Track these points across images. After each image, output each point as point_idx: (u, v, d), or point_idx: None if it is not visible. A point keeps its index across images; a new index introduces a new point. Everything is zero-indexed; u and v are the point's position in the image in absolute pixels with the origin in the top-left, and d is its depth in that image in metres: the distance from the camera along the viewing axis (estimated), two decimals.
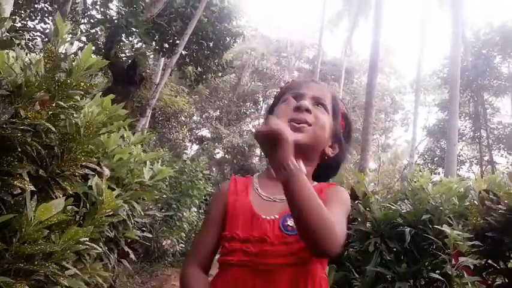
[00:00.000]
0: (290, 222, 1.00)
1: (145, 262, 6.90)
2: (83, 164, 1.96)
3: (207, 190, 8.39)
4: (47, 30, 9.61)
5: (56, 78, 1.61)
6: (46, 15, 9.78)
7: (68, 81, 1.59)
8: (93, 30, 8.86)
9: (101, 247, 2.94)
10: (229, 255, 1.03)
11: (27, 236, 1.48)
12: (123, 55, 8.97)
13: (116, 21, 7.99)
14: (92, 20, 9.34)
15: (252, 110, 24.54)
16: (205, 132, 23.55)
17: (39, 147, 1.54)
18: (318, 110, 1.10)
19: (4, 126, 1.34)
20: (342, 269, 3.87)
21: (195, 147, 23.16)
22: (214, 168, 21.40)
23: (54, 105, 1.65)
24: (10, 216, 1.37)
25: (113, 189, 2.82)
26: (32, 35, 10.23)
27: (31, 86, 1.40)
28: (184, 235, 7.71)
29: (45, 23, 9.75)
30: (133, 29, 7.93)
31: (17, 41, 9.05)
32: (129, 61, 8.65)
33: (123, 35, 8.14)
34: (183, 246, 7.71)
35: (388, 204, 3.39)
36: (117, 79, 8.35)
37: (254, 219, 1.03)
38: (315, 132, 1.07)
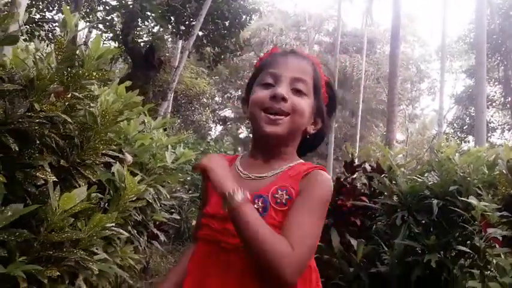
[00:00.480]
0: (256, 204, 0.98)
1: (177, 242, 7.07)
2: (104, 152, 1.98)
3: None
4: None
5: (69, 70, 1.61)
6: (63, 4, 9.86)
7: (80, 71, 1.59)
8: (110, 17, 8.90)
9: (129, 231, 3.02)
10: (200, 230, 1.06)
11: (53, 224, 1.52)
12: (141, 40, 9.00)
13: (131, 6, 7.98)
14: (107, 7, 9.37)
15: None
16: (228, 113, 23.64)
17: (58, 139, 1.56)
18: (296, 96, 1.03)
19: (20, 120, 1.37)
20: (370, 243, 3.86)
21: (219, 128, 23.30)
22: (240, 148, 21.54)
23: (69, 96, 1.67)
24: (35, 206, 1.41)
25: (136, 175, 2.87)
26: (51, 25, 10.36)
27: (43, 79, 1.41)
28: None
29: (63, 13, 9.83)
30: (149, 13, 7.92)
31: (37, 33, 9.20)
32: (147, 46, 8.68)
33: (139, 20, 8.15)
34: None
35: (414, 177, 3.33)
36: (136, 65, 8.40)
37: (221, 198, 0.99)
38: (293, 122, 1.03)
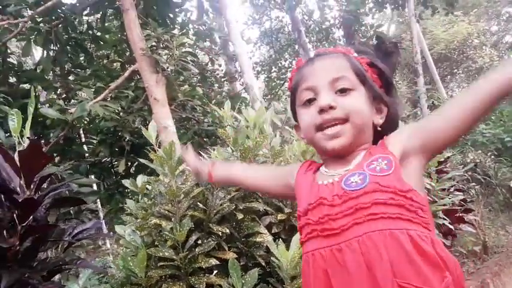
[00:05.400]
0: (354, 178, 0.87)
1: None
2: None
3: None
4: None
5: (243, 146, 1.92)
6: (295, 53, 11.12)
7: (246, 146, 1.87)
8: (330, 37, 9.34)
9: None
10: (301, 235, 0.93)
11: (287, 274, 1.76)
12: (366, 38, 8.98)
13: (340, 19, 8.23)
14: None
15: None
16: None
17: (256, 206, 1.85)
18: (343, 97, 0.92)
19: (219, 208, 1.74)
20: None
21: None
22: None
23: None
24: (257, 269, 1.70)
25: None
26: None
27: None
28: None
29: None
30: (358, 11, 7.93)
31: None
32: (374, 39, 8.56)
33: (356, 23, 8.25)
34: None
35: None
36: None
37: (313, 189, 0.92)
38: (355, 126, 0.92)
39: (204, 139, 6.40)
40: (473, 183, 5.36)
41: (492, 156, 6.04)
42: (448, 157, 4.06)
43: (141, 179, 1.88)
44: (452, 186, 3.77)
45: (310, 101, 0.96)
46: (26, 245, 1.42)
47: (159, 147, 2.09)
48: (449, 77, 15.98)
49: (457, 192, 3.80)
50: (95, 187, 6.55)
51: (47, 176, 1.58)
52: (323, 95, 0.93)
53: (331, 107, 0.91)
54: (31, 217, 1.42)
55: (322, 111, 0.92)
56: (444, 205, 3.11)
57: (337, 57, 0.97)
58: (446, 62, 15.34)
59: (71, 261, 1.54)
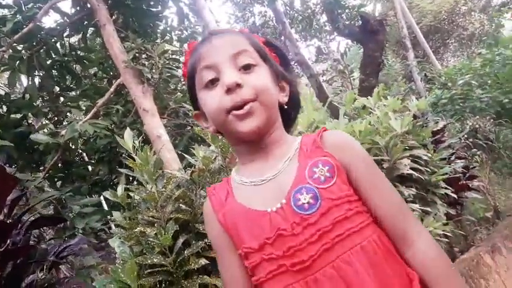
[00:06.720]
0: (303, 198, 0.80)
1: None
2: None
3: None
4: None
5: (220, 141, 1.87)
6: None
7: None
8: (316, 25, 9.23)
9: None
10: (255, 274, 0.83)
11: None
12: (346, 20, 8.87)
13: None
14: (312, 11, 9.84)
15: None
16: None
17: None
18: (248, 74, 0.86)
19: None
20: None
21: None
22: None
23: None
24: None
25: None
26: None
27: (197, 172, 1.72)
28: None
29: None
30: None
31: None
32: (357, 20, 8.48)
33: (338, 7, 8.17)
34: None
35: None
36: (362, 41, 8.26)
37: (258, 219, 0.83)
38: (265, 104, 0.85)
39: (201, 144, 6.36)
40: (475, 149, 5.27)
41: (491, 120, 5.95)
42: (445, 126, 3.99)
43: (121, 189, 1.84)
44: (452, 155, 3.70)
45: (212, 82, 0.87)
46: (8, 270, 1.40)
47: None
48: (442, 48, 15.80)
49: (458, 160, 3.72)
50: (105, 206, 6.53)
51: (18, 198, 1.54)
52: (227, 73, 0.85)
53: (238, 85, 0.83)
54: (8, 241, 1.39)
55: (229, 90, 0.84)
56: (445, 174, 3.04)
57: (235, 34, 0.92)
58: (437, 34, 15.17)
59: (57, 282, 1.51)
